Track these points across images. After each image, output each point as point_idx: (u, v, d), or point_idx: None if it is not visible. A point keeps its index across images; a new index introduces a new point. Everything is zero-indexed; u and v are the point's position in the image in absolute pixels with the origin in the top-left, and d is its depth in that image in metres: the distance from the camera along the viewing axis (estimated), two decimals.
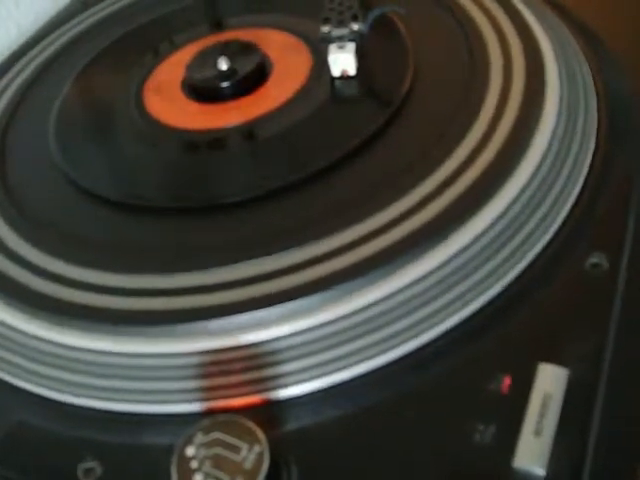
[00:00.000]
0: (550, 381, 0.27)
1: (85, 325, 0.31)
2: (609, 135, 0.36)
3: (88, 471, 0.29)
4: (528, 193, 0.32)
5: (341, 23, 0.40)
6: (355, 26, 0.40)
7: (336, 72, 0.40)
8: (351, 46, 0.40)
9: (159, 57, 0.46)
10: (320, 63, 0.41)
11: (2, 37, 0.60)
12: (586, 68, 0.39)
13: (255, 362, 0.29)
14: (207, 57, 0.43)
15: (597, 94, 0.38)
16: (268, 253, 0.31)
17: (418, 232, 0.30)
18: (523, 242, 0.31)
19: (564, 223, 0.33)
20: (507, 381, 0.28)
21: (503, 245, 0.31)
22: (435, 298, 0.30)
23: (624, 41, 0.41)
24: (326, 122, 0.38)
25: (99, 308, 0.31)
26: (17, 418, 0.31)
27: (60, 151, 0.41)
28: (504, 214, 0.31)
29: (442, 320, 0.30)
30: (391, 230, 0.31)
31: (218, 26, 0.48)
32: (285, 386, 0.29)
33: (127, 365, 0.30)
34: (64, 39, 0.52)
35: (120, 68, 0.46)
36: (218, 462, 0.25)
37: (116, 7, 0.54)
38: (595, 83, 0.39)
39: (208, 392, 0.30)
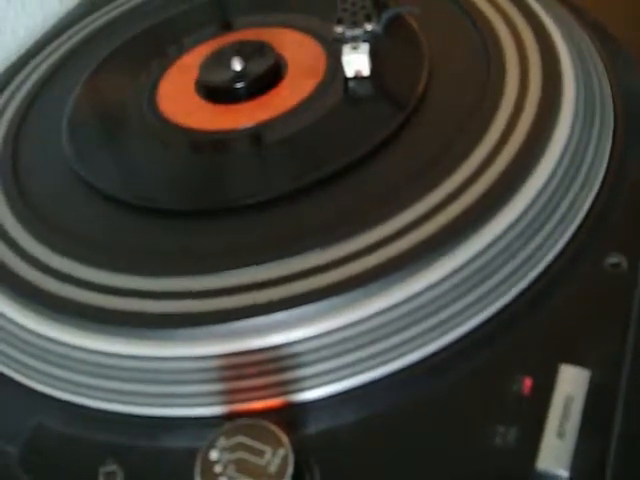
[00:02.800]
0: (572, 383, 0.27)
1: (105, 328, 0.31)
2: (626, 135, 0.36)
3: (109, 475, 0.29)
4: (547, 194, 0.32)
5: (355, 24, 0.40)
6: (369, 27, 0.40)
7: (350, 73, 0.40)
8: (365, 47, 0.39)
9: (172, 57, 0.46)
10: (334, 63, 0.41)
11: (10, 38, 0.60)
12: (602, 68, 0.39)
13: (275, 365, 0.29)
14: (221, 58, 0.43)
15: (613, 94, 0.38)
16: (286, 256, 0.31)
17: (437, 234, 0.30)
18: (542, 243, 0.31)
19: (582, 223, 0.32)
20: (528, 383, 0.28)
21: (523, 246, 0.31)
22: (454, 301, 0.30)
23: (636, 35, 0.41)
24: (340, 124, 0.38)
25: (120, 311, 0.31)
26: (37, 422, 0.31)
27: (73, 152, 0.41)
28: (523, 215, 0.31)
29: (462, 322, 0.30)
30: (410, 233, 0.31)
31: (231, 26, 0.48)
32: (305, 389, 0.29)
33: (148, 369, 0.30)
34: (74, 41, 0.52)
35: (132, 69, 0.46)
36: (242, 466, 0.25)
37: (125, 8, 0.54)
38: (611, 83, 0.39)
39: (228, 395, 0.30)
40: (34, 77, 0.49)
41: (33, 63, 0.51)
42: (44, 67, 0.50)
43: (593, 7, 0.43)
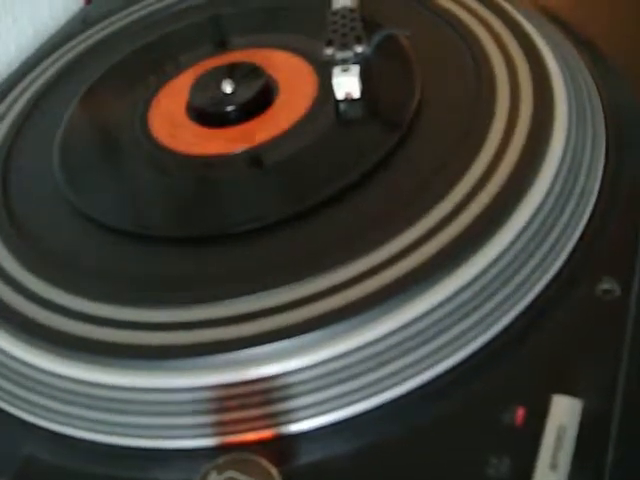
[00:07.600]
0: (564, 413, 0.27)
1: (95, 359, 0.31)
2: (617, 155, 0.36)
3: None
4: (538, 220, 0.32)
5: (345, 46, 0.40)
6: (359, 49, 0.39)
7: (340, 95, 0.40)
8: (355, 69, 0.39)
9: (163, 79, 0.46)
10: (326, 85, 0.40)
11: (1, 54, 0.60)
12: (592, 86, 0.39)
13: (267, 397, 0.29)
14: (211, 80, 0.42)
15: (604, 112, 0.38)
16: (277, 285, 0.31)
17: (428, 262, 0.30)
18: (534, 270, 0.31)
19: (574, 250, 0.32)
20: (521, 413, 0.28)
21: (514, 274, 0.31)
22: (447, 330, 0.30)
23: (626, 53, 0.41)
24: (330, 148, 0.38)
25: (110, 343, 0.31)
26: (28, 453, 0.31)
27: (64, 178, 0.40)
28: (514, 242, 0.31)
29: (454, 352, 0.30)
30: (401, 261, 0.31)
31: (223, 46, 0.48)
32: (297, 420, 0.29)
33: (139, 400, 0.30)
34: (65, 60, 0.51)
35: (124, 90, 0.46)
36: None
37: (117, 27, 0.54)
38: (602, 101, 0.39)
39: (220, 427, 0.29)
40: (25, 98, 0.49)
41: (25, 82, 0.50)
42: (35, 87, 0.49)
43: (580, 23, 0.43)
